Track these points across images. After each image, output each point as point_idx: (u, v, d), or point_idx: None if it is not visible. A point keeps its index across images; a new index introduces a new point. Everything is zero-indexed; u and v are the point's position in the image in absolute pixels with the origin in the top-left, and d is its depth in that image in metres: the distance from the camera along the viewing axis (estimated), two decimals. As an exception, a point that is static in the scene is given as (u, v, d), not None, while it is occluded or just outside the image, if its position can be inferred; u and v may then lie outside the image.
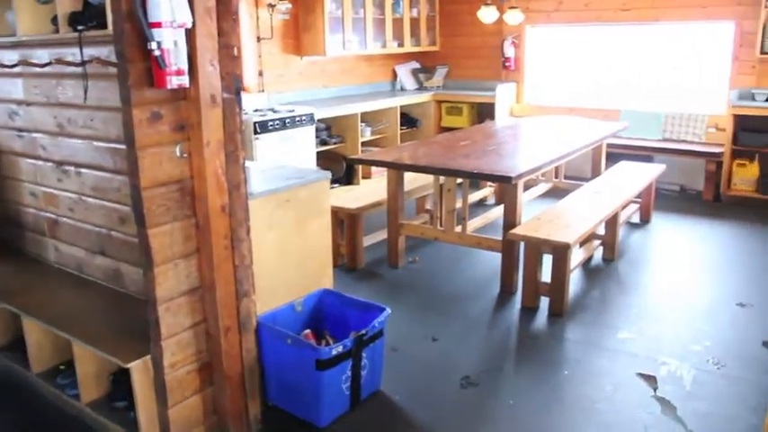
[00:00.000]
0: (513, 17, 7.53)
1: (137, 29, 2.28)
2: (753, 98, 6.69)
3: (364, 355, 3.05)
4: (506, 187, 4.37)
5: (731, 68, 6.86)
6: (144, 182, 2.45)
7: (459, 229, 4.76)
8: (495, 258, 4.58)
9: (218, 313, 2.71)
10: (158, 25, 2.27)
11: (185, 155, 2.56)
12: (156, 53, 2.28)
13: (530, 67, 8.14)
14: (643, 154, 7.00)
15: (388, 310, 3.13)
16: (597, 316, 4.13)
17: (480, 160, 4.56)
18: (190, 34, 2.41)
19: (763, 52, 6.47)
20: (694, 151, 6.79)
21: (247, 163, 2.82)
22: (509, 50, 8.02)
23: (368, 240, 5.10)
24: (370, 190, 5.34)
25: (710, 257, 5.23)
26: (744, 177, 6.72)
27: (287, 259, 3.26)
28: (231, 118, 2.63)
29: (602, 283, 4.66)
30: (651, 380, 3.37)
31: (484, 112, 8.11)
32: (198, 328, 2.76)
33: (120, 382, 2.98)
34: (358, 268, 4.95)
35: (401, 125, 7.72)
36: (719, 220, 6.14)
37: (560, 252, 4.02)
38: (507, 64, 8.10)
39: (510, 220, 4.35)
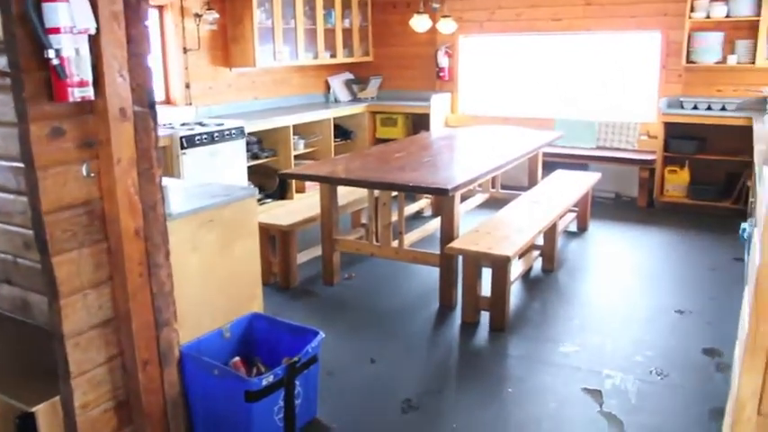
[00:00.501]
0: (445, 26, 7.48)
1: (30, 35, 2.05)
2: (681, 106, 6.80)
3: (297, 383, 2.85)
4: (443, 199, 4.26)
5: (659, 77, 6.97)
6: (46, 205, 2.21)
7: (395, 243, 4.61)
8: (434, 273, 4.45)
9: (134, 346, 2.48)
10: (56, 31, 2.04)
11: (93, 174, 2.33)
12: (55, 62, 2.05)
13: (464, 77, 8.11)
14: (578, 162, 7.03)
15: (322, 335, 2.94)
16: (539, 329, 4.05)
17: (416, 172, 4.44)
18: (94, 41, 2.19)
19: (688, 61, 6.59)
20: (628, 159, 6.86)
21: (169, 181, 2.61)
22: (443, 60, 7.98)
23: (302, 257, 4.91)
24: (304, 205, 5.15)
25: (647, 265, 5.24)
26: (675, 183, 6.82)
27: (212, 283, 3.04)
28: (144, 133, 2.41)
29: (543, 295, 4.59)
30: (596, 394, 3.29)
31: (419, 123, 8.03)
32: (113, 364, 2.51)
33: (28, 426, 2.70)
34: (291, 287, 4.74)
35: (335, 137, 7.55)
36: (654, 227, 6.19)
37: (500, 265, 3.92)
38: (441, 74, 8.05)
39: (448, 234, 4.24)
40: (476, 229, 4.30)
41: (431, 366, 3.66)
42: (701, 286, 4.69)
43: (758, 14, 6.25)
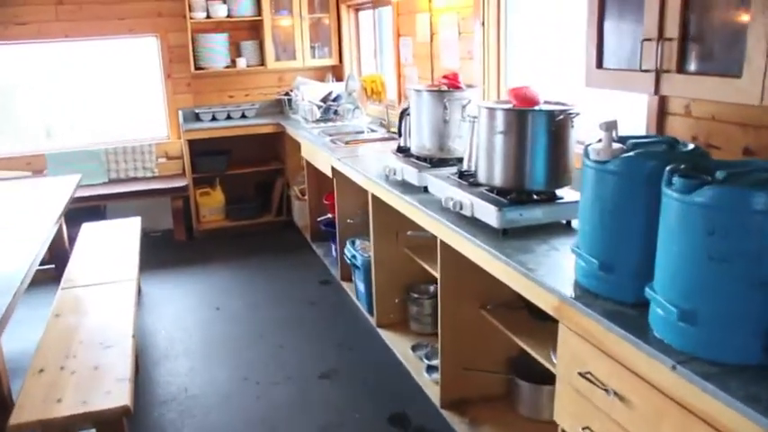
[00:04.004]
0: None
1: None
2: (198, 118, 5.96)
3: None
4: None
5: (165, 88, 5.96)
6: None
7: None
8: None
9: None
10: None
11: None
12: None
13: None
14: (90, 206, 5.55)
15: None
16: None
17: None
18: None
19: (197, 67, 5.75)
20: (155, 190, 5.69)
21: None
22: None
23: None
24: None
25: (241, 319, 4.28)
26: (211, 207, 6.00)
27: None
28: None
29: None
30: None
31: None
32: None
33: None
34: None
35: None
36: (211, 264, 5.26)
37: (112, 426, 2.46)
38: None
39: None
40: (38, 369, 2.68)
41: None
42: (319, 331, 4.00)
43: (259, 14, 5.76)
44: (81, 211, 5.39)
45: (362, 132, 4.89)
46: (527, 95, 2.34)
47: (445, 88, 2.99)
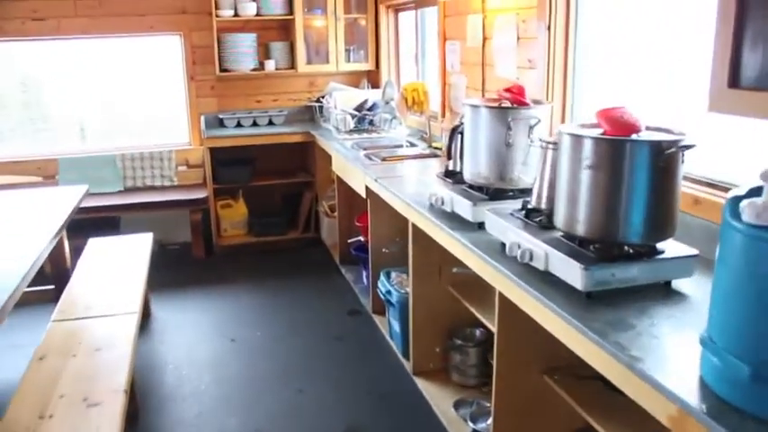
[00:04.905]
0: None
1: None
2: (222, 124, 5.51)
3: None
4: None
5: (188, 91, 5.52)
6: None
7: None
8: None
9: None
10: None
11: None
12: None
13: None
14: (104, 217, 5.14)
15: None
16: None
17: None
18: None
19: (222, 69, 5.30)
20: (173, 201, 5.24)
21: None
22: None
23: None
24: None
25: (259, 352, 3.80)
26: (233, 220, 5.54)
27: None
28: None
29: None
30: None
31: None
32: None
33: None
34: None
35: None
36: (229, 285, 4.79)
37: None
38: None
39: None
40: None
41: None
42: (345, 374, 3.50)
43: (291, 13, 5.29)
44: (93, 222, 4.99)
45: (401, 146, 4.38)
46: (624, 120, 1.81)
47: (508, 104, 2.47)
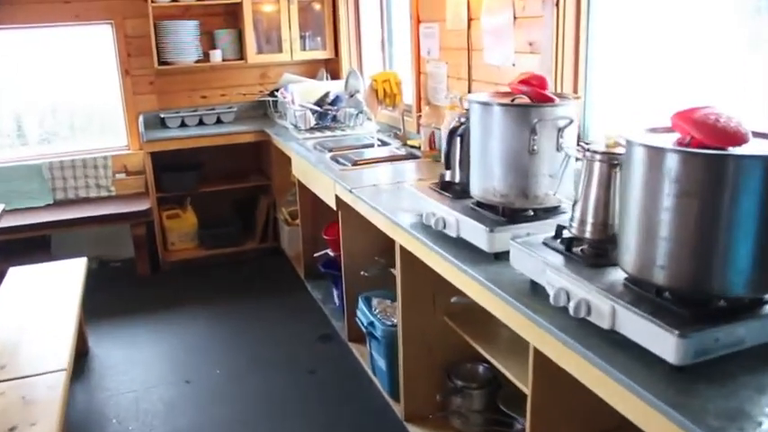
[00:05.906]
0: None
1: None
2: (164, 124, 4.86)
3: None
4: None
5: (123, 88, 4.85)
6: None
7: None
8: None
9: None
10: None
11: None
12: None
13: None
14: (30, 237, 4.46)
15: None
16: None
17: None
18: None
19: (162, 62, 4.66)
20: (114, 215, 4.58)
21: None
22: None
23: None
24: None
25: (222, 396, 3.23)
26: (181, 232, 4.93)
27: None
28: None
29: None
30: None
31: None
32: None
33: None
34: None
35: None
36: (180, 311, 4.18)
37: None
38: None
39: None
40: None
41: None
42: (322, 420, 2.96)
43: (238, -4, 4.68)
44: (19, 244, 4.33)
45: (371, 146, 3.84)
46: (723, 126, 1.30)
47: (526, 100, 1.94)
